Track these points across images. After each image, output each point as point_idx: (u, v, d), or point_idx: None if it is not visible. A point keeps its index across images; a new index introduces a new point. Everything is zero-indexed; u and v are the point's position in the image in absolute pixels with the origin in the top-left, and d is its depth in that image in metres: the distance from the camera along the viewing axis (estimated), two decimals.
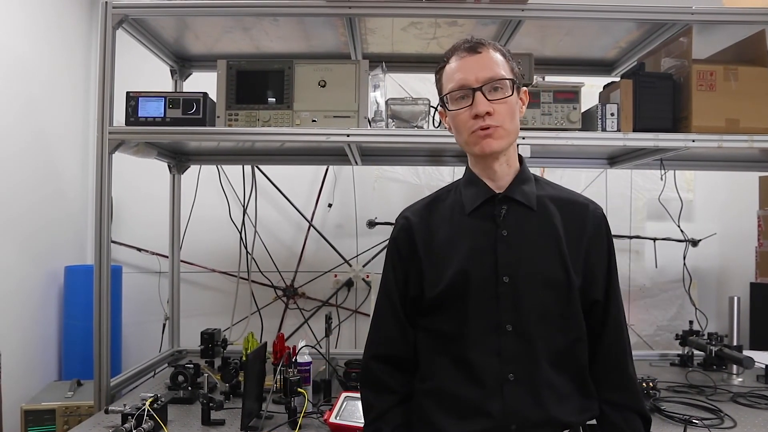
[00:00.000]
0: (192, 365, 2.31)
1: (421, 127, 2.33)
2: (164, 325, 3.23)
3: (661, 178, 2.86)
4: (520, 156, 1.45)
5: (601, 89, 2.49)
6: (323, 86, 2.28)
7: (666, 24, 2.33)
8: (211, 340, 2.57)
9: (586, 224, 1.39)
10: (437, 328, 1.38)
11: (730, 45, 2.45)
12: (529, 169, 1.46)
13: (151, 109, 2.26)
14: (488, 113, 1.32)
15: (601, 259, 1.40)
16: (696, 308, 3.35)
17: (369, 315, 1.53)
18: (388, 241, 1.50)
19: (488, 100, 1.32)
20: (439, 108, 1.48)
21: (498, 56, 1.36)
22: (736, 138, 2.23)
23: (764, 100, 2.25)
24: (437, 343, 1.38)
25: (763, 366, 2.45)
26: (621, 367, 1.40)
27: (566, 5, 2.23)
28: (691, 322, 2.79)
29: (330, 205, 3.61)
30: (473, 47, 1.36)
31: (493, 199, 1.38)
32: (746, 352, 2.40)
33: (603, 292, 1.39)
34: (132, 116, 2.25)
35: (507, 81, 1.34)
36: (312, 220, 3.59)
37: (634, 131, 2.26)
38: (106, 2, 2.21)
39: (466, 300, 1.34)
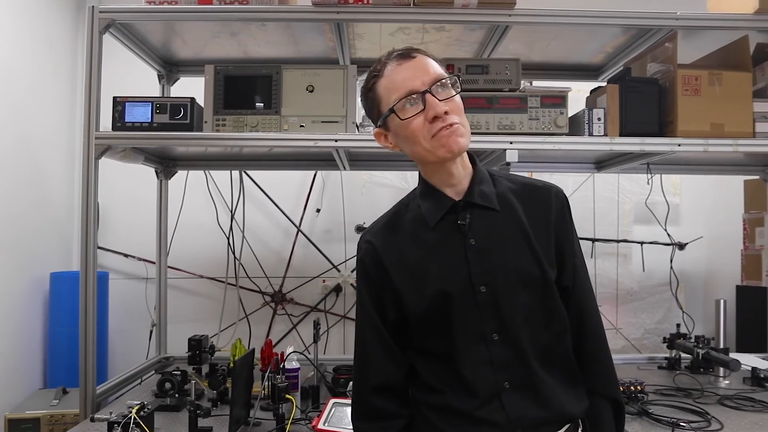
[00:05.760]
0: (179, 372, 2.29)
1: None
2: (151, 332, 3.21)
3: (648, 182, 2.88)
4: (471, 156, 1.39)
5: (588, 94, 2.51)
6: (311, 91, 2.28)
7: (651, 29, 2.35)
8: (198, 347, 2.55)
9: (551, 209, 1.36)
10: (425, 347, 1.35)
11: (715, 50, 2.48)
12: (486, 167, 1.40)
13: (138, 114, 2.25)
14: (446, 112, 1.26)
15: (567, 243, 1.37)
16: (683, 311, 3.37)
17: None
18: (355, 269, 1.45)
19: (439, 100, 1.26)
20: (374, 129, 1.39)
21: (431, 60, 1.31)
22: (720, 142, 2.25)
23: (748, 104, 2.28)
24: (430, 361, 1.35)
25: (750, 368, 2.47)
26: (592, 351, 1.38)
27: (553, 11, 2.24)
28: (678, 325, 2.81)
29: (318, 211, 3.61)
30: (407, 53, 1.30)
31: (454, 208, 1.34)
32: (733, 355, 2.42)
33: (571, 278, 1.37)
34: (119, 121, 2.24)
35: (449, 79, 1.29)
36: (300, 225, 3.58)
37: (620, 136, 2.28)
38: (93, 7, 2.19)
39: (449, 317, 1.30)
